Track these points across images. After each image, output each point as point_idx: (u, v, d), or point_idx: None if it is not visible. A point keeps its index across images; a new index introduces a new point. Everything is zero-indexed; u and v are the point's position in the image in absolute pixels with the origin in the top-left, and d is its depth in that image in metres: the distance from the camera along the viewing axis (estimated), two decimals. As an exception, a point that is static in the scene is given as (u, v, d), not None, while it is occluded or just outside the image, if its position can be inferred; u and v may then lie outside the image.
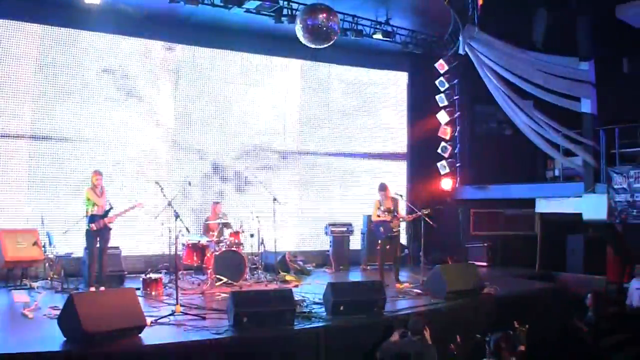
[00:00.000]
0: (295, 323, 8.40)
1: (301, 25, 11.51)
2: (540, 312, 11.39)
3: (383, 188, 12.25)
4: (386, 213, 12.03)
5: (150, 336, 7.56)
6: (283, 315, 8.26)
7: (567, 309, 12.20)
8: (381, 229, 12.10)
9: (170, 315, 8.72)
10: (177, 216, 9.59)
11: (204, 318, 8.74)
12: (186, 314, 8.91)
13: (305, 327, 8.42)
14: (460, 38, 14.53)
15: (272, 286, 11.73)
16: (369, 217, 15.39)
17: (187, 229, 10.06)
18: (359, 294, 9.22)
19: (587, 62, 13.54)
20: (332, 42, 11.95)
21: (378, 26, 14.78)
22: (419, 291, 11.38)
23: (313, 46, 11.96)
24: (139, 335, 7.52)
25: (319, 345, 8.24)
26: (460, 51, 14.63)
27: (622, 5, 13.16)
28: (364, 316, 8.99)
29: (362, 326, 8.77)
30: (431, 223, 12.34)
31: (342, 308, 8.95)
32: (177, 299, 9.15)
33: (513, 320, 9.99)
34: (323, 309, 9.25)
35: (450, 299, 10.44)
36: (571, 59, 13.69)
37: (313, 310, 9.26)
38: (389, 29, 14.92)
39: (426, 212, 12.25)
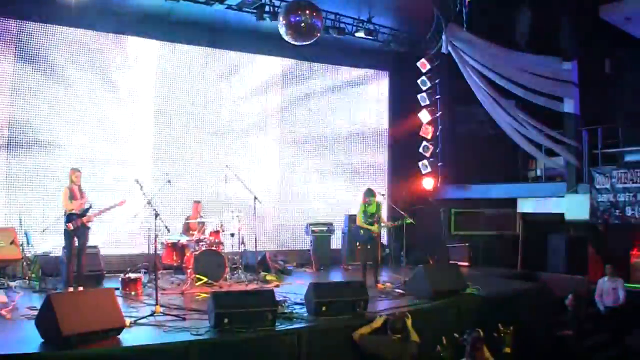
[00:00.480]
0: (277, 324, 8.29)
1: (284, 22, 11.38)
2: (523, 313, 11.36)
3: (372, 194, 12.07)
4: (370, 219, 11.90)
5: (130, 337, 7.42)
6: (264, 316, 8.13)
7: (550, 309, 12.23)
8: (361, 231, 12.01)
9: (149, 315, 8.59)
10: (156, 215, 9.43)
11: (184, 319, 8.59)
12: (166, 314, 8.77)
13: (287, 327, 8.30)
14: (443, 37, 14.49)
15: (253, 286, 11.65)
16: (350, 216, 15.39)
17: (167, 228, 9.90)
18: (341, 294, 9.11)
19: (570, 62, 13.55)
20: (315, 40, 11.83)
21: (360, 24, 14.71)
22: (401, 291, 11.30)
23: (296, 43, 11.83)
24: (118, 336, 7.37)
25: (300, 346, 8.13)
26: (443, 50, 14.60)
27: (606, 6, 13.18)
28: (346, 317, 8.87)
29: (345, 327, 8.65)
30: (412, 221, 12.30)
31: (324, 308, 8.85)
32: (156, 299, 9.00)
33: (496, 321, 10.00)
34: (305, 310, 9.16)
35: (433, 299, 10.38)
36: (554, 59, 13.70)
37: (295, 311, 9.15)
38: (371, 27, 14.84)
39: (409, 222, 12.21)
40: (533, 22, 14.19)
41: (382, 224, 12.13)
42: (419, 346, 8.38)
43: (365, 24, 14.69)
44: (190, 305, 9.57)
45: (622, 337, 12.15)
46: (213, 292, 8.59)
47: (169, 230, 10.17)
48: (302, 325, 8.50)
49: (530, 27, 14.26)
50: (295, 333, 8.20)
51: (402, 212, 12.44)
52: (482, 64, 13.95)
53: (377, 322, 8.59)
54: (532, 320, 11.42)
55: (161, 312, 8.75)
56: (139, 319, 8.39)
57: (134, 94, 13.87)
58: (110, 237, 13.16)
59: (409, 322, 8.51)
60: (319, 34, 11.79)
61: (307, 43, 11.83)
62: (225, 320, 7.82)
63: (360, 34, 14.68)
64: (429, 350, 8.88)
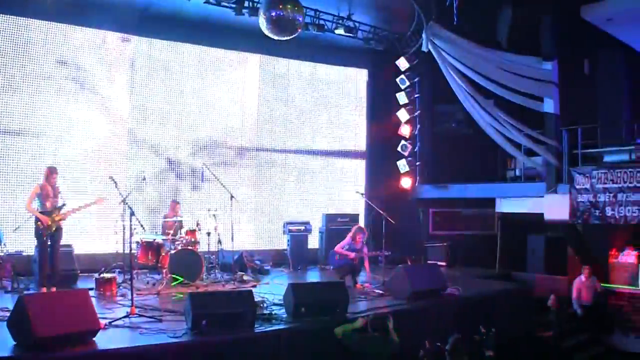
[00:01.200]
0: (256, 325, 8.12)
1: (265, 17, 11.15)
2: (504, 313, 11.37)
3: (363, 231, 11.97)
4: (351, 251, 11.75)
5: (105, 340, 7.21)
6: (243, 317, 7.97)
7: (531, 310, 12.26)
8: (337, 256, 11.86)
9: (125, 317, 8.36)
10: (132, 213, 9.17)
11: (160, 320, 8.38)
12: (142, 315, 8.54)
13: (266, 329, 8.14)
14: (424, 35, 14.36)
15: (230, 286, 11.47)
16: (328, 216, 15.27)
17: (142, 226, 9.65)
18: (321, 295, 9.00)
19: (550, 62, 13.52)
20: (296, 34, 11.63)
21: (340, 21, 14.54)
22: (380, 292, 11.18)
23: (277, 38, 11.62)
24: (93, 339, 7.13)
25: (280, 348, 7.99)
26: (424, 48, 14.45)
27: (588, 6, 13.18)
28: (326, 318, 8.73)
29: (325, 328, 8.48)
30: (391, 221, 12.18)
31: (303, 310, 8.71)
32: (132, 300, 8.74)
33: (477, 322, 9.92)
34: (284, 311, 9.00)
35: (413, 299, 10.28)
36: (534, 59, 13.66)
37: (273, 312, 8.96)
38: (351, 24, 14.70)
39: (387, 253, 12.12)
40: (514, 21, 14.09)
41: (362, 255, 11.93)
42: (399, 347, 8.29)
43: (345, 21, 14.53)
44: (167, 306, 9.34)
45: (603, 336, 12.23)
46: (190, 292, 8.34)
47: (144, 229, 9.94)
48: (282, 327, 8.33)
49: (511, 26, 14.17)
50: (275, 335, 8.06)
51: (381, 212, 12.25)
52: (462, 63, 13.85)
53: (358, 323, 8.46)
54: (513, 321, 11.41)
55: (137, 314, 8.51)
56: (114, 321, 8.15)
57: (109, 89, 13.52)
58: (84, 236, 12.83)
59: (390, 324, 8.42)
60: (300, 29, 11.59)
61: (288, 38, 11.62)
62: (203, 322, 7.61)
63: (340, 31, 14.52)
64: (409, 352, 8.76)
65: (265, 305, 9.25)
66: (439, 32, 14.14)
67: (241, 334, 7.82)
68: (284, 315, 8.82)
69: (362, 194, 14.17)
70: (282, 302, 9.16)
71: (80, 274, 11.64)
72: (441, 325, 9.86)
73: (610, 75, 15.28)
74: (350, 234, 11.97)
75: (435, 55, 14.27)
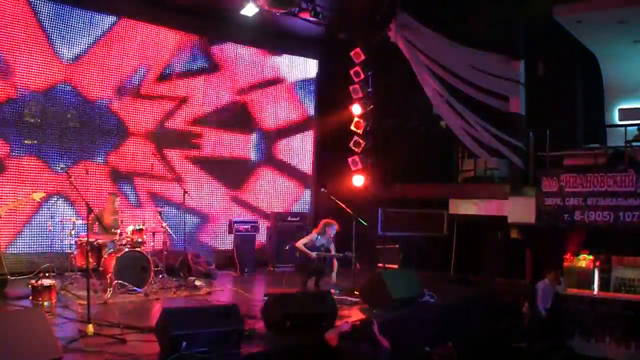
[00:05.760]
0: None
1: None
2: (477, 320, 11.16)
3: (333, 223, 11.05)
4: (315, 250, 10.80)
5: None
6: (229, 336, 6.80)
7: (499, 315, 11.98)
8: (297, 254, 10.90)
9: (81, 337, 7.00)
10: (90, 210, 7.77)
11: (124, 340, 7.07)
12: (99, 334, 7.17)
13: (254, 351, 7.00)
14: (392, 26, 13.53)
15: (182, 293, 10.39)
16: (279, 214, 14.22)
17: (102, 225, 8.33)
18: (307, 307, 8.01)
19: (518, 61, 13.19)
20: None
21: (304, 5, 13.38)
22: (353, 299, 10.25)
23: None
24: (53, 370, 5.80)
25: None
26: (392, 39, 13.64)
27: (561, 6, 12.78)
28: (315, 332, 7.69)
29: (316, 346, 7.52)
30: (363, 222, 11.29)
31: (288, 324, 7.69)
32: (88, 316, 7.37)
33: (455, 329, 9.79)
34: (262, 325, 7.90)
35: (395, 308, 9.51)
36: (503, 57, 13.29)
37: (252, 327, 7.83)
38: (316, 8, 13.56)
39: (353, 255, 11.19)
40: (487, 18, 13.48)
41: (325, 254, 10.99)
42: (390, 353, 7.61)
43: (308, 4, 13.39)
44: (121, 320, 7.98)
45: (565, 341, 11.98)
46: (166, 308, 7.05)
47: (105, 229, 8.63)
48: (269, 345, 7.27)
49: (484, 22, 13.55)
50: (263, 357, 6.98)
51: (350, 211, 11.35)
52: (430, 57, 13.15)
53: (345, 327, 7.73)
54: (485, 328, 11.23)
55: (94, 333, 7.16)
56: (70, 343, 6.77)
57: (28, 67, 11.73)
58: (11, 234, 11.34)
59: (374, 328, 7.69)
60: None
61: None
62: (183, 344, 6.42)
63: (305, 15, 13.38)
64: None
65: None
66: (409, 24, 13.37)
67: (227, 356, 6.66)
68: (263, 331, 7.76)
69: (329, 193, 13.04)
70: (261, 315, 8.05)
71: (9, 278, 10.00)
72: (427, 335, 9.44)
73: (565, 78, 14.96)
74: (316, 230, 11.09)
75: (403, 48, 13.49)
